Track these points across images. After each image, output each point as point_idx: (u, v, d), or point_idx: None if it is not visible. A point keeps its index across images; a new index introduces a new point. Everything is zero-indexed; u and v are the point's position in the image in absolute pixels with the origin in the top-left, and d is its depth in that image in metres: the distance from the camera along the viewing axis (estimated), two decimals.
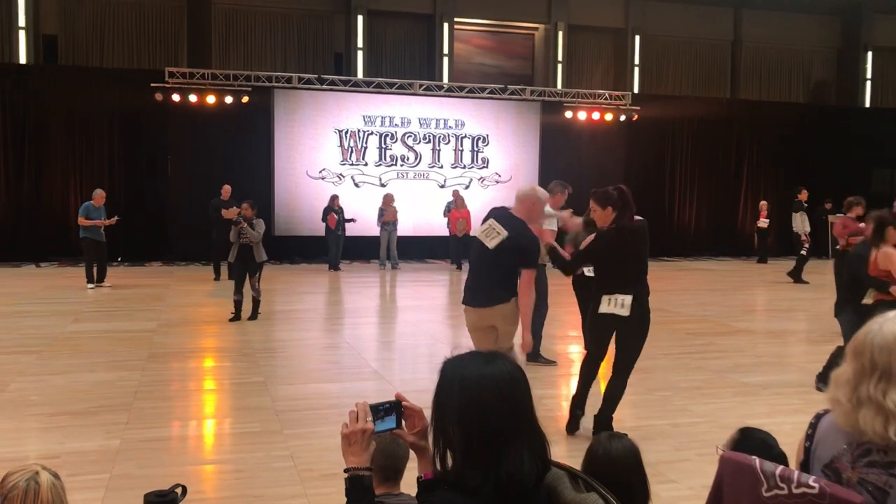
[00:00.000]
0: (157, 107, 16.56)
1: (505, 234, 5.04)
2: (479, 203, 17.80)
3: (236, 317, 9.80)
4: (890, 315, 1.97)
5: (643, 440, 5.24)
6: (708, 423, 5.75)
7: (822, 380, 6.73)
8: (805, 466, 2.06)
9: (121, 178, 16.93)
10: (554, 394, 6.87)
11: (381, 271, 16.29)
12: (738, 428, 2.56)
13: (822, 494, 1.86)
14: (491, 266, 5.12)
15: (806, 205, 15.57)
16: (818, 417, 2.11)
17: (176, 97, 16.57)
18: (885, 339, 1.89)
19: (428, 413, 1.95)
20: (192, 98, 16.68)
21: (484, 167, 18.94)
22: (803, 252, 15.14)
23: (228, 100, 16.88)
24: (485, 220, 5.32)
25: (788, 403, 6.31)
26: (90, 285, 12.72)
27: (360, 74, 19.05)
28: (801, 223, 15.33)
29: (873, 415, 1.86)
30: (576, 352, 8.45)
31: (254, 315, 9.98)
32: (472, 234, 5.19)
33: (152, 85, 16.42)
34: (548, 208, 6.50)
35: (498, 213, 5.29)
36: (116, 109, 16.80)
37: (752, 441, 2.42)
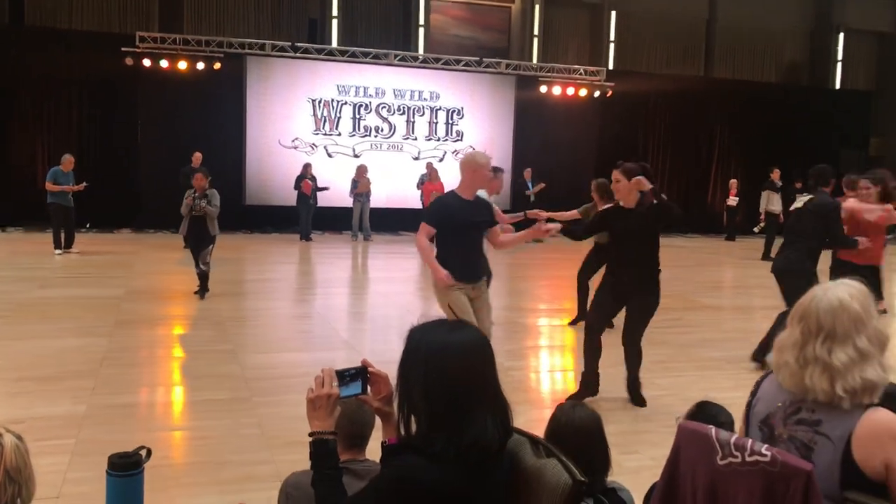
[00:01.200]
0: (128, 72, 16.29)
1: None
2: (452, 176, 17.73)
3: (203, 290, 9.27)
4: (831, 284, 2.12)
5: (608, 412, 5.35)
6: (672, 396, 5.85)
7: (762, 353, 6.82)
8: (746, 421, 2.20)
9: (90, 144, 16.67)
10: (522, 365, 6.94)
11: (354, 243, 16.26)
12: (697, 401, 2.68)
13: (773, 462, 1.93)
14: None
15: (779, 184, 15.76)
16: (764, 377, 2.26)
17: (147, 62, 16.31)
18: (831, 303, 2.04)
19: (394, 379, 1.98)
20: (164, 63, 16.42)
21: (458, 140, 18.90)
22: (755, 230, 15.64)
23: (200, 66, 16.64)
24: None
25: (752, 378, 6.38)
26: (58, 251, 12.57)
27: (334, 43, 18.86)
28: (764, 201, 15.70)
29: (819, 373, 2.00)
30: (545, 325, 8.54)
31: (202, 291, 9.20)
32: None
33: (122, 49, 16.13)
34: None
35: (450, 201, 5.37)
36: (86, 74, 16.48)
37: (702, 414, 2.61)
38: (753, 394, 2.24)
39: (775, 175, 15.75)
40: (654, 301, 5.63)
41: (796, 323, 2.09)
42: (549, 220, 5.51)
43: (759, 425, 2.13)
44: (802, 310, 2.09)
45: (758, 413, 2.16)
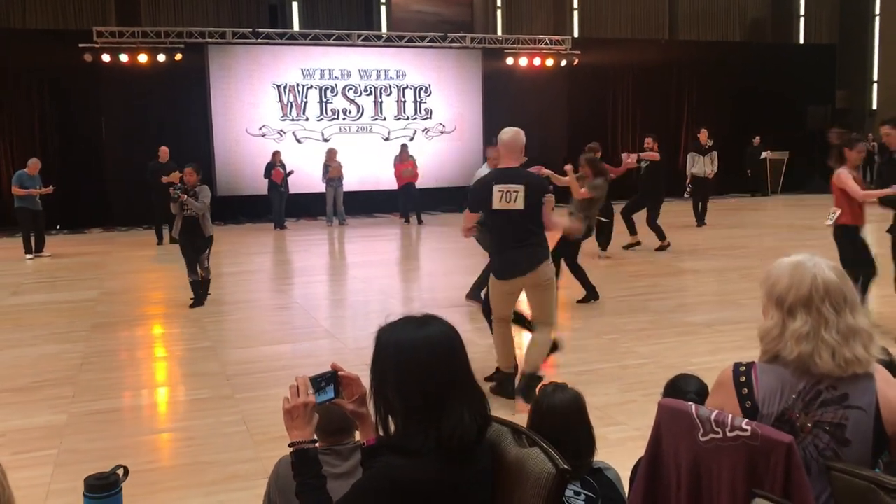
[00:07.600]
0: (87, 68, 15.99)
1: (521, 186, 4.91)
2: (424, 155, 17.68)
3: (197, 301, 8.46)
4: (807, 259, 2.09)
5: (591, 384, 5.38)
6: (653, 364, 5.88)
7: None
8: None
9: (53, 144, 16.39)
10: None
11: (329, 228, 16.16)
12: (671, 378, 2.72)
13: (754, 436, 1.93)
14: (522, 226, 4.96)
15: (708, 145, 15.04)
16: (748, 377, 2.11)
17: (106, 57, 16.03)
18: (837, 275, 2.05)
19: (364, 380, 1.96)
20: (123, 58, 16.14)
21: (428, 118, 18.78)
22: (685, 195, 15.18)
23: (161, 58, 16.38)
24: (481, 187, 5.09)
25: (731, 340, 6.48)
26: (29, 256, 12.39)
27: (296, 26, 18.65)
28: (689, 164, 15.00)
29: (859, 344, 2.00)
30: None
31: (202, 298, 8.57)
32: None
33: (80, 45, 15.82)
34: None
35: (498, 175, 5.08)
36: (44, 72, 16.15)
37: (674, 390, 2.66)
38: (748, 397, 2.08)
39: (703, 136, 15.14)
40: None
41: (820, 302, 2.03)
42: None
43: (774, 424, 2.04)
44: (825, 288, 2.03)
45: (769, 414, 2.05)
